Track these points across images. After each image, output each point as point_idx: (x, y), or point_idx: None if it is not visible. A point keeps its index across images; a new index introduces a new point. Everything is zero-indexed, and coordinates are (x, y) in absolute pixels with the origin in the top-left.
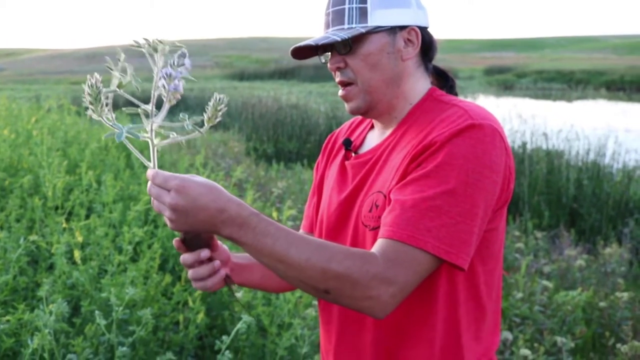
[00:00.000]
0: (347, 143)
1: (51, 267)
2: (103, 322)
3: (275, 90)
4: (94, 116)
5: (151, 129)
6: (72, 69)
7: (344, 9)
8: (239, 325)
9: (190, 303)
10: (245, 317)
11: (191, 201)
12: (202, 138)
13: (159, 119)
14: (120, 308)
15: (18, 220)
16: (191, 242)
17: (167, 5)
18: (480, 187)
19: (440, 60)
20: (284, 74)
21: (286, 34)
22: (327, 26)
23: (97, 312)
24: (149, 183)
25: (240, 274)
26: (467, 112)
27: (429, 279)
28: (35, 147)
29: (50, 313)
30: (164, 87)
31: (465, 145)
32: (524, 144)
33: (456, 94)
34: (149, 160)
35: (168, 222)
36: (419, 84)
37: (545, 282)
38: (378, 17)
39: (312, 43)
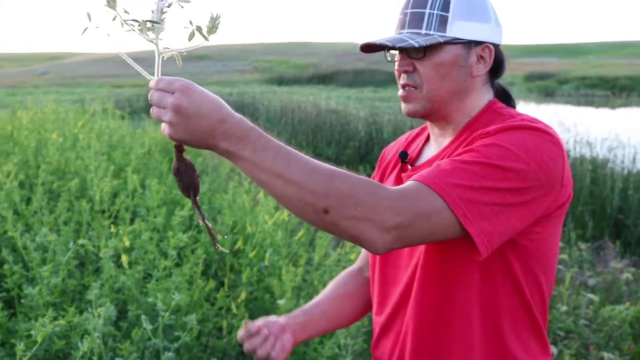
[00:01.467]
0: (404, 155)
1: (98, 270)
2: (149, 327)
3: (314, 95)
4: (109, 7)
5: (157, 37)
6: (115, 73)
7: (424, 13)
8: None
9: (234, 309)
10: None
11: (195, 106)
12: None
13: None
14: (167, 314)
15: (66, 223)
16: (185, 171)
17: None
18: (521, 177)
19: None
20: (322, 79)
21: (325, 39)
22: (403, 26)
23: (143, 316)
24: (151, 92)
25: (303, 331)
26: (524, 120)
27: (463, 281)
28: (82, 151)
29: (99, 316)
30: None
31: (517, 136)
32: (567, 152)
33: None
34: (152, 75)
35: (167, 128)
36: (482, 99)
37: (590, 296)
38: (457, 29)
39: (389, 44)
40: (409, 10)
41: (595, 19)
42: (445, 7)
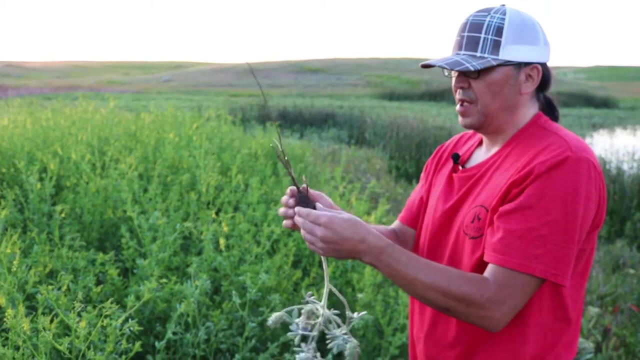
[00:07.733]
0: (456, 157)
1: (200, 253)
2: (238, 301)
3: (423, 111)
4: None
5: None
6: (231, 83)
7: (479, 37)
8: (356, 319)
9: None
10: (362, 314)
11: (337, 234)
12: (347, 153)
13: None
14: (254, 290)
15: (176, 211)
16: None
17: (323, 24)
18: (577, 215)
19: (600, 88)
20: (433, 96)
21: (439, 56)
22: (459, 48)
23: (234, 292)
24: (302, 220)
25: None
26: (567, 142)
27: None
28: (195, 150)
29: (196, 287)
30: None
31: (564, 178)
32: None
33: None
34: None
35: (319, 251)
36: (529, 113)
37: None
38: (509, 52)
39: (447, 67)
40: (465, 34)
41: None
42: (499, 32)
